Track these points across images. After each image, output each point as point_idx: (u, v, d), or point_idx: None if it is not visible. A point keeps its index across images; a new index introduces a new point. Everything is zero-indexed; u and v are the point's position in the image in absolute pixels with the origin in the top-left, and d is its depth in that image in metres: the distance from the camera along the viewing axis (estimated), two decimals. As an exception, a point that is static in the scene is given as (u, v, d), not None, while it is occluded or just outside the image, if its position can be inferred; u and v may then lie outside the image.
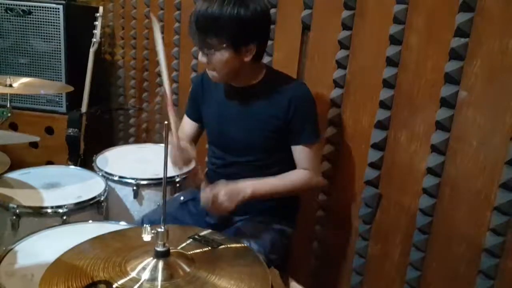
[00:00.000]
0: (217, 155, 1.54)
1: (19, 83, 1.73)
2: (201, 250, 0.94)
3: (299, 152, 1.43)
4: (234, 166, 1.48)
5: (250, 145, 1.45)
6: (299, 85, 1.48)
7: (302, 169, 1.43)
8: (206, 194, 1.26)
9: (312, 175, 1.44)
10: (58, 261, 0.88)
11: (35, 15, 2.56)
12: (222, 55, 1.30)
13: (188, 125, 1.62)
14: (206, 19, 1.27)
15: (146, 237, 0.85)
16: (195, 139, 1.63)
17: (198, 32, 1.30)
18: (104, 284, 0.80)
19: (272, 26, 1.82)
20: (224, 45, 1.28)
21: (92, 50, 2.45)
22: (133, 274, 0.82)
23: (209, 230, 1.05)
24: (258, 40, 1.34)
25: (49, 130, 2.66)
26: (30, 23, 2.57)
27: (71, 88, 1.94)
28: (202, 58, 1.34)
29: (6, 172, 1.75)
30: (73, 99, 2.59)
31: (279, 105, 1.39)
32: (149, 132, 2.89)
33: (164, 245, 0.85)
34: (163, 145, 0.87)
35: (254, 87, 1.42)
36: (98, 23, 2.47)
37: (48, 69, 2.63)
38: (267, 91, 1.41)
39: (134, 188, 1.81)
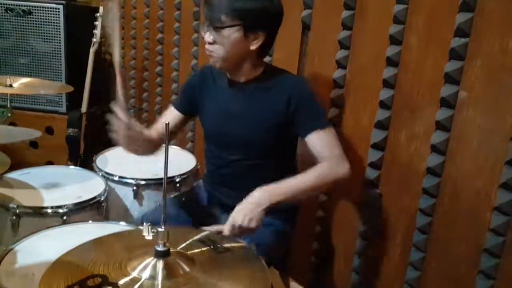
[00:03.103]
0: (215, 154, 1.53)
1: (19, 83, 1.74)
2: (201, 250, 0.94)
3: (315, 141, 1.35)
4: (232, 166, 1.48)
5: (250, 141, 1.44)
6: (297, 78, 1.50)
7: (323, 160, 1.34)
8: (225, 230, 1.19)
9: (332, 166, 1.32)
10: (59, 261, 0.88)
11: (35, 15, 2.56)
12: (231, 34, 1.29)
13: (171, 115, 1.56)
14: None
15: (147, 235, 0.85)
16: (174, 130, 1.58)
17: (213, 7, 1.30)
18: (100, 277, 0.80)
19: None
20: (236, 24, 1.28)
21: (92, 50, 2.44)
22: (134, 273, 0.82)
23: (210, 230, 1.05)
24: (268, 31, 1.35)
25: (49, 130, 2.66)
26: (30, 23, 2.57)
27: (71, 88, 1.94)
28: (209, 37, 1.33)
29: (6, 172, 1.75)
30: (73, 99, 2.59)
31: (278, 100, 1.38)
32: (149, 132, 2.89)
33: (164, 245, 0.85)
34: (163, 145, 0.87)
35: (253, 82, 1.42)
36: (98, 23, 2.47)
37: (48, 69, 2.63)
38: (266, 86, 1.41)
39: (134, 188, 1.81)
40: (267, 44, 1.38)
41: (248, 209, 1.22)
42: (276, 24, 1.38)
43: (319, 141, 1.35)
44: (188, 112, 1.57)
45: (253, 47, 1.33)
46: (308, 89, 1.42)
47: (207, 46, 1.35)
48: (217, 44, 1.32)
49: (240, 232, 1.20)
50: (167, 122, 0.86)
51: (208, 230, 1.14)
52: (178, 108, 1.57)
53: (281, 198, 1.27)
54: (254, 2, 1.29)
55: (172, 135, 1.70)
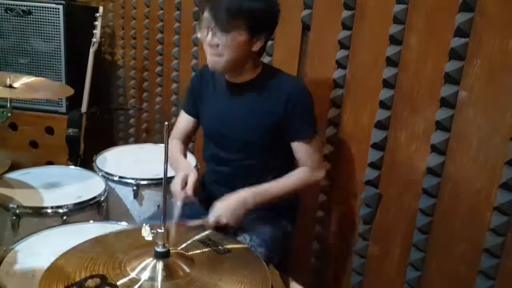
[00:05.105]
0: (214, 153, 1.53)
1: (20, 83, 1.72)
2: (201, 251, 0.94)
3: (299, 149, 1.42)
4: (231, 165, 1.48)
5: (248, 142, 1.44)
6: (296, 80, 1.50)
7: (303, 166, 1.44)
8: (209, 222, 1.27)
9: (312, 172, 1.43)
10: (58, 261, 0.88)
11: (35, 15, 2.55)
12: (236, 36, 1.29)
13: (184, 120, 1.60)
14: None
15: (147, 236, 0.85)
16: (190, 135, 1.62)
17: (219, 9, 1.27)
18: (100, 278, 0.80)
19: (272, 26, 1.82)
20: (244, 27, 1.28)
21: (92, 50, 2.44)
22: (133, 274, 0.82)
23: (210, 231, 1.05)
24: (269, 33, 1.37)
25: (49, 130, 2.66)
26: (30, 23, 2.57)
27: (71, 91, 1.92)
28: (212, 40, 1.30)
29: (6, 172, 1.75)
30: (73, 99, 2.57)
31: (276, 101, 1.38)
32: (149, 132, 2.89)
33: (164, 246, 0.85)
34: (163, 145, 0.87)
35: (251, 83, 1.42)
36: (98, 23, 2.47)
37: (48, 69, 2.62)
38: (264, 87, 1.41)
39: (134, 188, 1.81)
40: (265, 45, 1.39)
41: (233, 208, 1.30)
42: (275, 25, 1.39)
43: (303, 149, 1.42)
44: (196, 114, 1.58)
45: (255, 48, 1.34)
46: (306, 94, 1.42)
47: (208, 49, 1.33)
48: (221, 46, 1.31)
49: (221, 227, 1.26)
50: (166, 123, 0.86)
51: (194, 224, 1.23)
52: (187, 111, 1.60)
53: (264, 201, 1.37)
54: (261, 3, 1.29)
55: (189, 140, 1.67)
